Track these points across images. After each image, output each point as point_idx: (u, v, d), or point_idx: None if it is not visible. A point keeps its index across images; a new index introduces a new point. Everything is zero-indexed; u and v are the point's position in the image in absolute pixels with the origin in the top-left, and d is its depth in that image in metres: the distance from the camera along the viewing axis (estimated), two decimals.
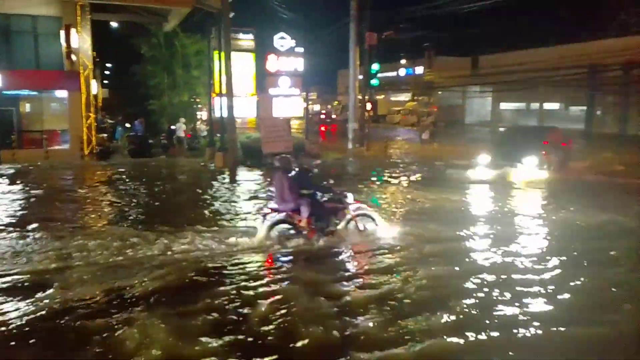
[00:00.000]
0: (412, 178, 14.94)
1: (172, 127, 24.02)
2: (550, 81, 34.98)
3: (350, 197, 8.11)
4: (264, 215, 7.91)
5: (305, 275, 6.36)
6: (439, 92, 47.80)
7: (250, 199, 11.96)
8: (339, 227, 8.03)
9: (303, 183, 7.91)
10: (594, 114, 36.40)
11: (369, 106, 26.08)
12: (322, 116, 39.53)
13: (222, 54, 16.72)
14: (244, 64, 23.15)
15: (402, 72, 51.83)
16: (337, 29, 24.98)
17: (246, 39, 23.27)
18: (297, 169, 8.18)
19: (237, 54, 21.35)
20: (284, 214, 7.76)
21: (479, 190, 13.46)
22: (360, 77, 23.95)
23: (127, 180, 15.14)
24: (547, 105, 42.21)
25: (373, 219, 8.19)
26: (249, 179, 14.98)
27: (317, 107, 59.71)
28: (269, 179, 14.37)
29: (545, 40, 38.50)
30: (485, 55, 44.68)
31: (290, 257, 7.20)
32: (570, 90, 37.61)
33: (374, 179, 14.91)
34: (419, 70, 50.31)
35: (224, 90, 16.99)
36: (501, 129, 24.38)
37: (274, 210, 7.86)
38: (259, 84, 24.47)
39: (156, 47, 25.62)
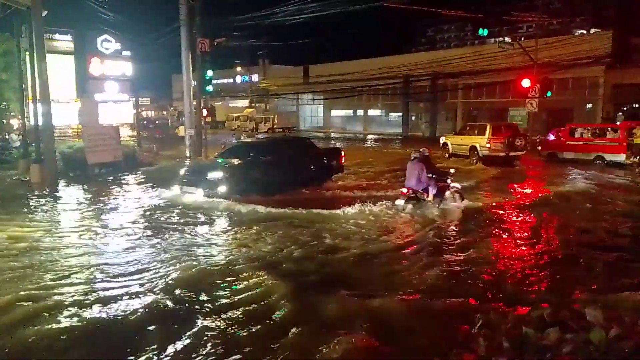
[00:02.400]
0: None
1: None
2: (372, 90, 38.51)
3: (449, 178, 10.92)
4: (403, 194, 10.48)
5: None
6: (275, 99, 49.40)
7: (76, 221, 10.31)
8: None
9: (429, 169, 10.63)
10: (409, 119, 41.15)
11: (205, 112, 25.79)
12: (144, 122, 38.03)
13: (35, 55, 15.23)
14: (62, 67, 21.27)
15: (238, 79, 52.47)
16: (168, 33, 24.33)
17: (64, 40, 21.41)
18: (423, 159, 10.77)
19: (53, 56, 19.57)
20: (411, 191, 10.47)
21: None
22: (195, 83, 23.63)
23: None
24: (371, 112, 46.34)
25: (461, 194, 11.11)
26: (72, 194, 13.77)
27: (152, 113, 57.25)
28: (102, 194, 13.42)
29: (368, 51, 42.32)
30: (315, 65, 47.46)
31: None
32: (389, 98, 41.96)
33: None
34: (255, 77, 51.44)
35: (39, 95, 15.42)
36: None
37: (410, 190, 10.48)
38: (83, 88, 22.65)
39: None
